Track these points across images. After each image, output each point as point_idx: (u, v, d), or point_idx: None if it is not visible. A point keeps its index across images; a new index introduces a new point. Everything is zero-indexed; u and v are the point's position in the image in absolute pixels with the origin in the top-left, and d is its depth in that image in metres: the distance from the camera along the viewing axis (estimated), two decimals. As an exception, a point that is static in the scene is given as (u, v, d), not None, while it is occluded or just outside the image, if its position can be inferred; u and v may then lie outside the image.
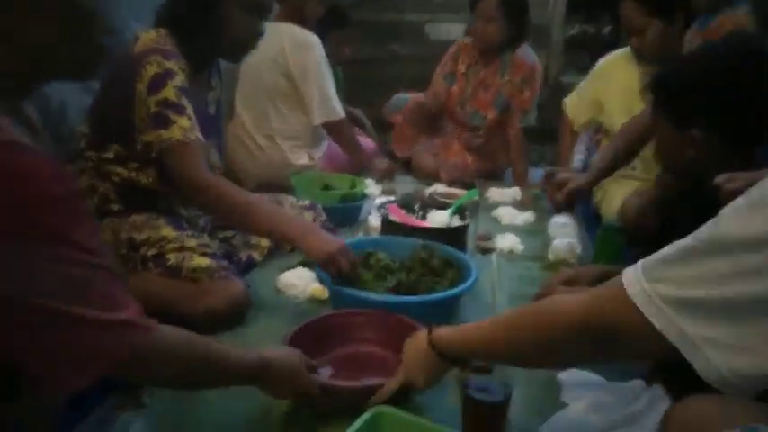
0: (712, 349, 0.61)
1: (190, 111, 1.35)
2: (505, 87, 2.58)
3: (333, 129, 2.42)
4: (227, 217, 1.43)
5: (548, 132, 3.54)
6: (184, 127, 1.32)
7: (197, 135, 1.34)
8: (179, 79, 1.34)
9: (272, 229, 1.38)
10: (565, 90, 4.66)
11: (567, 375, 1.04)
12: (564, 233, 1.82)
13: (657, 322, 0.63)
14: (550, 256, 1.73)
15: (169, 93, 1.32)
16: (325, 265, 1.33)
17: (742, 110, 1.08)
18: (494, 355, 0.88)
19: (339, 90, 2.97)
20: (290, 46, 2.29)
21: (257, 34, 1.51)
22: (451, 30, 4.30)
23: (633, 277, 0.67)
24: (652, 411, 0.94)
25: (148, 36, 1.38)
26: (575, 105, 2.35)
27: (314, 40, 2.32)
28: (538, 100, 2.64)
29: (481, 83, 2.63)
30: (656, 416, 0.93)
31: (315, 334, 1.19)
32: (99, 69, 0.82)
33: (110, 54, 0.83)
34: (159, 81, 1.32)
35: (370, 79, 4.26)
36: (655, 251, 0.70)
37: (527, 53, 2.60)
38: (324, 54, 2.35)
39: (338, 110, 2.37)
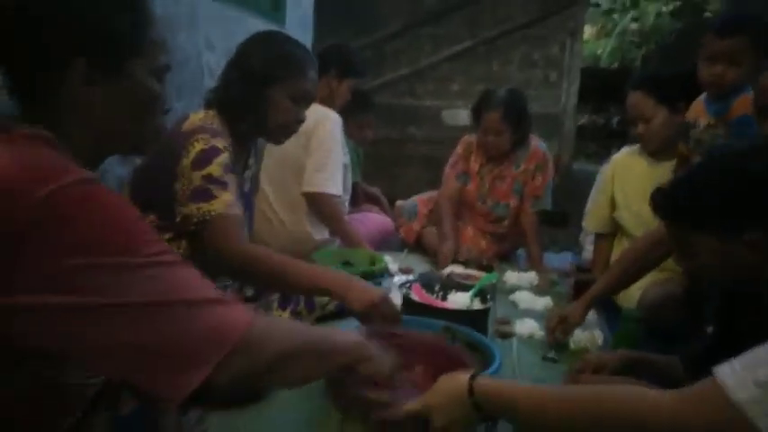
0: None
1: (232, 187, 1.40)
2: (521, 176, 2.66)
3: (313, 201, 2.35)
4: (267, 281, 1.43)
5: (561, 217, 3.60)
6: (226, 201, 1.37)
7: (236, 211, 1.39)
8: (224, 157, 1.41)
9: (312, 284, 1.37)
10: (574, 176, 4.77)
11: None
12: (585, 322, 1.81)
13: (763, 424, 0.63)
14: (572, 345, 1.72)
15: (214, 169, 1.38)
16: (367, 315, 1.31)
17: None
18: (535, 424, 0.83)
19: (357, 169, 3.06)
20: (315, 123, 2.38)
21: (299, 120, 1.60)
22: (464, 115, 4.48)
23: (733, 378, 0.66)
24: None
25: (197, 116, 1.47)
26: (594, 219, 2.39)
27: (334, 116, 2.40)
28: (551, 185, 2.70)
29: (497, 177, 2.70)
30: None
31: None
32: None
33: (164, 132, 0.89)
34: (205, 157, 1.39)
35: (387, 158, 4.39)
36: (676, 343, 0.72)
37: (539, 142, 2.70)
38: (340, 132, 2.41)
39: (326, 185, 2.31)
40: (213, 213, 1.36)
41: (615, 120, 8.91)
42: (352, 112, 2.85)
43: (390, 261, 2.45)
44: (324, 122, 2.36)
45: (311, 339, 0.85)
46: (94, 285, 0.64)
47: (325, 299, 1.70)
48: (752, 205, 0.99)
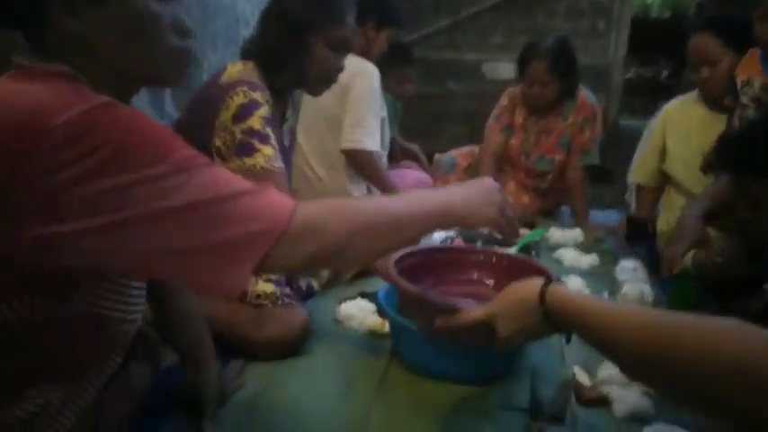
0: None
1: (274, 140, 1.38)
2: (569, 129, 2.55)
3: (352, 158, 2.28)
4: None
5: (605, 174, 3.47)
6: (268, 155, 1.34)
7: (280, 164, 1.36)
8: (264, 110, 1.38)
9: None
10: (622, 132, 4.59)
11: (654, 430, 0.97)
12: (634, 277, 1.74)
13: None
14: (621, 302, 1.65)
15: (255, 122, 1.35)
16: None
17: None
18: (607, 345, 0.70)
19: (395, 124, 2.98)
20: (351, 75, 2.31)
21: (339, 69, 1.54)
22: (506, 69, 4.32)
23: None
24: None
25: (235, 68, 1.43)
26: (641, 171, 2.28)
27: (371, 69, 2.32)
28: (600, 139, 2.58)
29: (542, 130, 2.59)
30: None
31: (421, 263, 1.09)
32: (186, 73, 0.83)
33: (191, 56, 0.84)
34: (245, 111, 1.35)
35: (426, 114, 4.29)
36: (733, 301, 0.62)
37: (588, 94, 2.58)
38: (378, 86, 2.32)
39: (365, 141, 2.23)
40: (257, 168, 1.33)
41: (664, 73, 8.51)
42: (391, 65, 2.76)
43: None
44: (361, 75, 2.29)
45: (380, 213, 0.77)
46: (131, 200, 0.65)
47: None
48: None
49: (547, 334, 0.80)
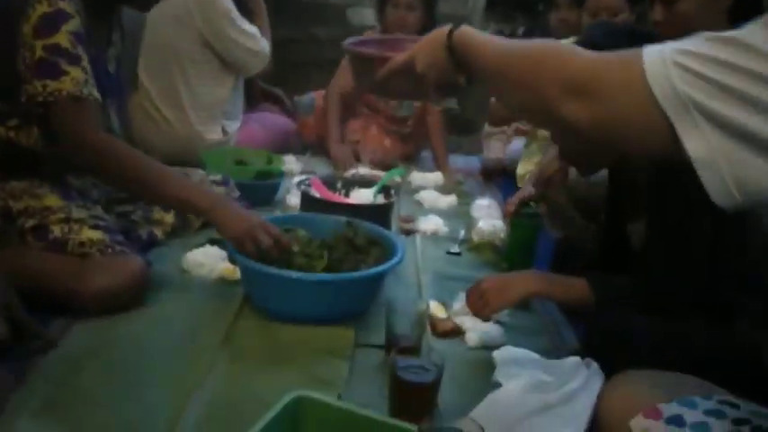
0: (714, 128, 0.56)
1: (86, 63, 1.18)
2: None
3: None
4: (122, 183, 1.23)
5: (464, 123, 3.56)
6: (77, 79, 1.15)
7: (92, 91, 1.17)
8: (74, 23, 1.17)
9: (178, 199, 1.21)
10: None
11: (502, 353, 0.98)
12: (488, 214, 1.78)
13: (658, 86, 0.58)
14: (474, 238, 1.69)
15: (62, 38, 1.14)
16: (240, 243, 1.18)
17: None
18: (484, 71, 0.81)
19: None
20: (195, 4, 2.11)
21: None
22: (371, 15, 4.24)
23: (656, 48, 0.60)
24: (587, 389, 0.90)
25: None
26: (494, 117, 2.34)
27: None
28: None
29: None
30: (591, 394, 0.89)
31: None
32: None
33: None
34: (50, 23, 1.14)
35: (289, 60, 4.10)
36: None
37: None
38: (230, 3, 2.15)
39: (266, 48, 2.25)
40: (63, 93, 1.14)
41: (521, 30, 8.92)
42: None
43: (293, 162, 2.31)
44: (214, 3, 2.09)
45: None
46: None
47: None
48: None
49: (452, 71, 0.86)
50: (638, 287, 1.08)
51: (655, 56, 0.60)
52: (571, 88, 0.65)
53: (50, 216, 1.20)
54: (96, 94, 1.19)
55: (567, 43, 0.82)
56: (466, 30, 0.84)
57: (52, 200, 1.23)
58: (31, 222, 1.20)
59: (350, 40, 1.11)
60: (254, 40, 2.21)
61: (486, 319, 1.22)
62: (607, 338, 1.02)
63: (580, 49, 0.69)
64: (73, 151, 1.17)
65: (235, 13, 2.16)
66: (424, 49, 0.89)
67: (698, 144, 0.57)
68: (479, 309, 1.20)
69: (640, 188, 1.18)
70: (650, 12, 1.65)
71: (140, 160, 1.20)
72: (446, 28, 0.86)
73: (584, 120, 0.65)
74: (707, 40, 0.58)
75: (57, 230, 1.19)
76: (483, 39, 0.82)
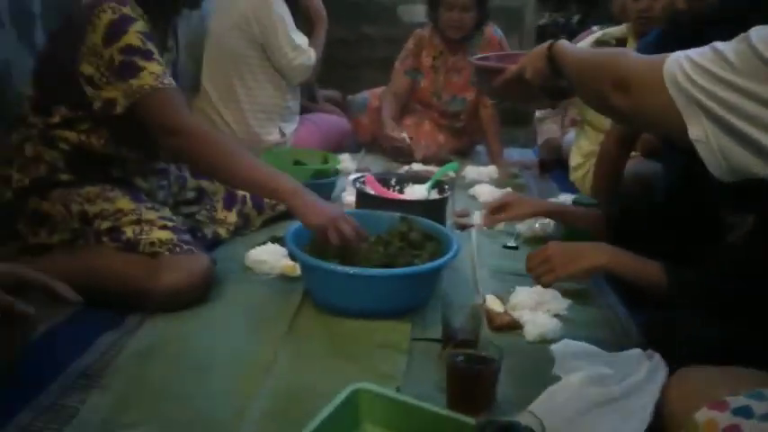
0: (709, 121, 0.74)
1: (158, 56, 1.24)
2: None
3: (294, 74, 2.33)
4: (211, 165, 1.27)
5: (519, 115, 3.50)
6: (156, 72, 1.21)
7: (171, 81, 1.24)
8: (140, 24, 1.23)
9: (262, 182, 1.25)
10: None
11: (561, 347, 0.97)
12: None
13: (672, 85, 0.76)
14: (524, 231, 1.68)
15: (131, 38, 1.21)
16: (323, 231, 1.21)
17: None
18: (570, 76, 0.99)
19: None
20: (251, 8, 2.18)
21: None
22: (422, 11, 4.23)
23: (675, 55, 0.78)
24: (651, 382, 0.88)
25: None
26: None
27: None
28: None
29: (452, 69, 2.57)
30: (655, 387, 0.87)
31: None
32: None
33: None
34: (117, 28, 1.21)
35: (341, 60, 4.15)
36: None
37: (496, 30, 2.57)
38: (282, 5, 2.22)
39: (300, 59, 2.28)
40: (147, 88, 1.20)
41: (576, 18, 8.68)
42: None
43: (349, 160, 2.35)
44: (268, 6, 2.17)
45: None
46: None
47: None
48: None
49: (553, 77, 1.04)
50: (725, 286, 1.01)
51: (672, 62, 0.78)
52: (618, 85, 0.84)
53: (123, 218, 1.27)
54: (173, 82, 1.25)
55: (626, 49, 1.01)
56: (560, 43, 1.03)
57: (124, 203, 1.30)
58: (105, 224, 1.27)
59: (475, 56, 1.34)
60: (298, 51, 2.26)
61: (547, 285, 1.17)
62: (673, 331, 0.99)
63: (629, 54, 0.87)
64: (167, 139, 1.24)
65: (288, 21, 2.22)
66: (530, 60, 1.07)
67: (697, 129, 0.75)
68: (543, 273, 1.15)
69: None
70: (632, 3, 1.93)
71: (225, 143, 1.26)
72: (547, 43, 1.04)
73: (625, 108, 0.84)
74: (709, 53, 0.75)
75: (129, 232, 1.26)
76: (570, 49, 1.01)
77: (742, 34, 0.74)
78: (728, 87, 0.73)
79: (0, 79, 1.47)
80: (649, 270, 1.09)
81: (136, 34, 1.21)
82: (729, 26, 0.79)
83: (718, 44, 0.76)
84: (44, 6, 1.64)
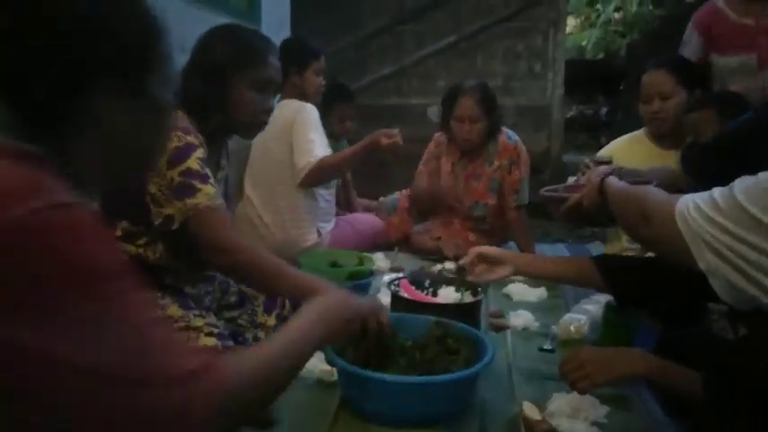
0: (712, 255, 0.86)
1: (213, 180, 1.36)
2: (497, 173, 2.61)
3: (315, 173, 2.32)
4: (258, 280, 1.37)
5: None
6: (209, 194, 1.33)
7: (222, 201, 1.36)
8: (201, 152, 1.37)
9: (303, 289, 1.31)
10: (566, 167, 4.74)
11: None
12: (580, 309, 1.77)
13: (681, 222, 0.90)
14: (559, 333, 1.68)
15: (192, 163, 1.34)
16: (363, 315, 1.20)
17: None
18: (614, 208, 1.20)
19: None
20: (292, 115, 2.35)
21: (267, 110, 1.55)
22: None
23: (686, 197, 0.92)
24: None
25: None
26: None
27: (309, 106, 2.38)
28: (527, 179, 2.65)
29: (471, 176, 2.65)
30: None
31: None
32: None
33: None
34: (182, 153, 1.34)
35: (373, 159, 4.34)
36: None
37: (509, 134, 2.65)
38: (317, 118, 2.38)
39: (315, 151, 2.30)
40: (201, 206, 1.31)
41: (604, 110, 8.92)
42: (330, 105, 2.83)
43: (382, 259, 2.41)
44: (299, 112, 2.35)
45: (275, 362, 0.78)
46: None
47: None
48: None
49: (602, 211, 1.27)
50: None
51: (683, 203, 0.91)
52: (643, 218, 0.99)
53: (173, 325, 1.35)
54: (224, 203, 1.37)
55: (650, 188, 1.13)
56: (609, 180, 1.24)
57: (173, 310, 1.38)
58: (156, 331, 1.34)
59: (544, 188, 1.60)
60: (301, 154, 2.31)
61: (583, 392, 1.17)
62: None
63: (653, 191, 1.06)
64: (216, 257, 1.33)
65: (315, 127, 2.35)
66: (588, 192, 1.29)
67: (704, 262, 0.86)
68: (578, 379, 1.16)
69: None
70: (644, 106, 2.14)
71: (269, 259, 1.35)
72: (599, 178, 1.25)
73: (647, 238, 1.00)
74: (707, 197, 0.88)
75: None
76: (615, 185, 1.22)
77: (731, 183, 0.85)
78: (723, 230, 0.84)
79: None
80: (686, 379, 1.10)
81: (196, 160, 1.35)
82: None
83: (716, 190, 0.87)
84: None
